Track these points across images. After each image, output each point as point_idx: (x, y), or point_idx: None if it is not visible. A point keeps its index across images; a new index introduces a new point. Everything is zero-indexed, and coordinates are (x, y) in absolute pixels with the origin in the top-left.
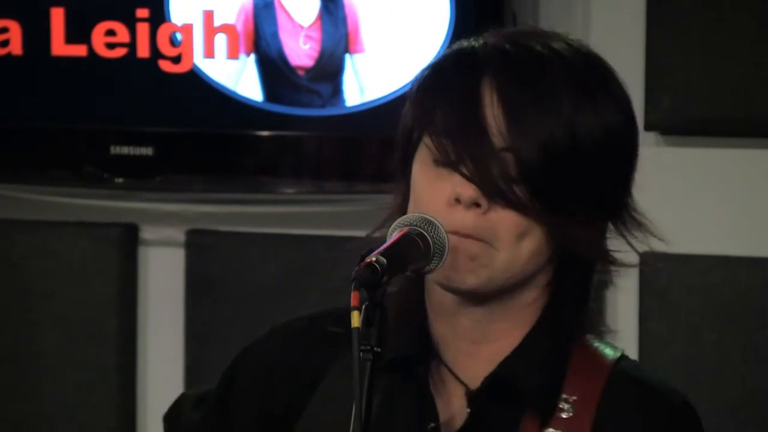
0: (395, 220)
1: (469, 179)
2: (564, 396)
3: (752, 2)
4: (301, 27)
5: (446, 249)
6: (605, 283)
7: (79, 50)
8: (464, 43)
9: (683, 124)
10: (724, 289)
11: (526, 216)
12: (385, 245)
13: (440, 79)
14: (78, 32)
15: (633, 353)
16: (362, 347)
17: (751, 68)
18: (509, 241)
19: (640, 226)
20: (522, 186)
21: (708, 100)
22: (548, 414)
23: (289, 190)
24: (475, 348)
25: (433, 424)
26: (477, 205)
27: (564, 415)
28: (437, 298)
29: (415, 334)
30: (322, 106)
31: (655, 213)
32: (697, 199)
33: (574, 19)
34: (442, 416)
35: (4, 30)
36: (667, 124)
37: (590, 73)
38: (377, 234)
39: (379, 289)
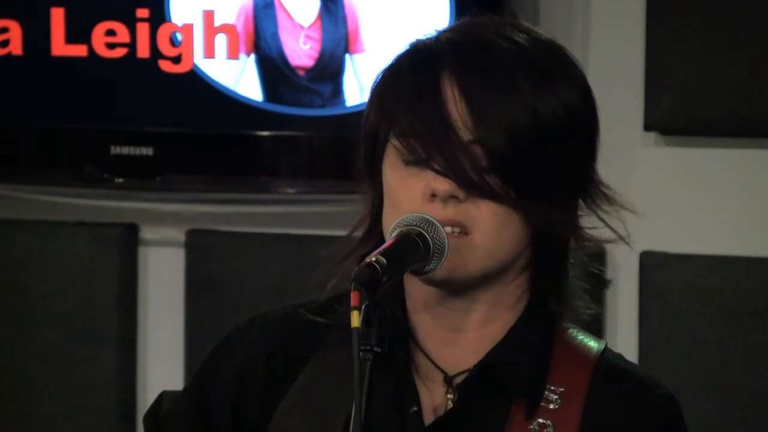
0: (368, 224)
1: (443, 174)
2: (551, 387)
3: (752, 2)
4: (301, 27)
5: (446, 249)
6: (605, 283)
7: (79, 50)
8: (418, 41)
9: (683, 124)
10: (724, 289)
11: (502, 204)
12: (384, 245)
13: (399, 80)
14: (78, 32)
15: (633, 353)
16: (362, 347)
17: (751, 68)
18: (489, 229)
19: (608, 199)
20: (494, 175)
21: (708, 100)
22: (535, 403)
23: (289, 190)
24: (457, 336)
25: (415, 408)
26: (454, 197)
27: (552, 406)
28: (416, 291)
29: (393, 322)
30: (322, 106)
31: (655, 213)
32: (697, 199)
33: (574, 19)
34: (424, 401)
35: (4, 30)
36: (667, 124)
37: (545, 55)
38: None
39: (379, 289)
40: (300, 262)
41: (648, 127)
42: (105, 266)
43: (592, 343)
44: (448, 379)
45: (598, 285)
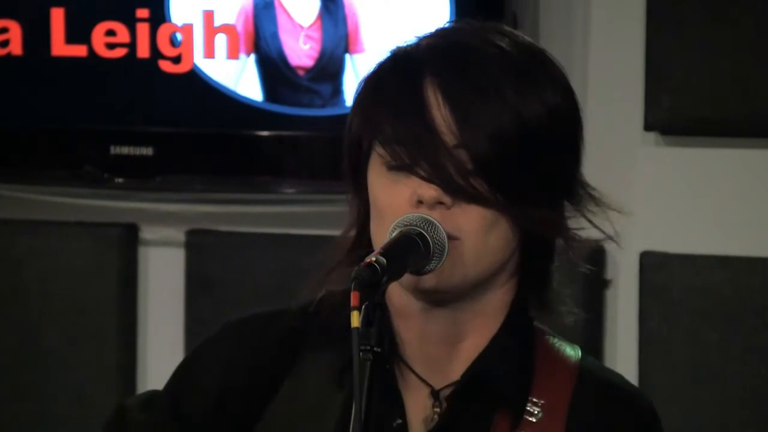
0: (355, 233)
1: (428, 180)
2: (533, 399)
3: (752, 2)
4: (301, 27)
5: (445, 249)
6: (605, 283)
7: (79, 50)
8: (398, 48)
9: (683, 124)
10: (724, 289)
11: (489, 208)
12: (384, 245)
13: (381, 88)
14: (78, 32)
15: (633, 353)
16: (362, 347)
17: (751, 68)
18: (475, 233)
19: (595, 200)
20: (480, 179)
21: (708, 100)
22: (519, 413)
23: (289, 190)
24: (443, 348)
25: (399, 421)
26: (440, 204)
27: (533, 419)
28: (401, 301)
29: (377, 334)
30: (322, 106)
31: (655, 213)
32: (697, 199)
33: (574, 19)
34: (410, 414)
35: (4, 30)
36: (667, 124)
37: (526, 58)
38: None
39: (379, 289)
40: (300, 262)
41: (648, 127)
42: (105, 266)
43: (569, 351)
44: (435, 393)
45: (599, 285)
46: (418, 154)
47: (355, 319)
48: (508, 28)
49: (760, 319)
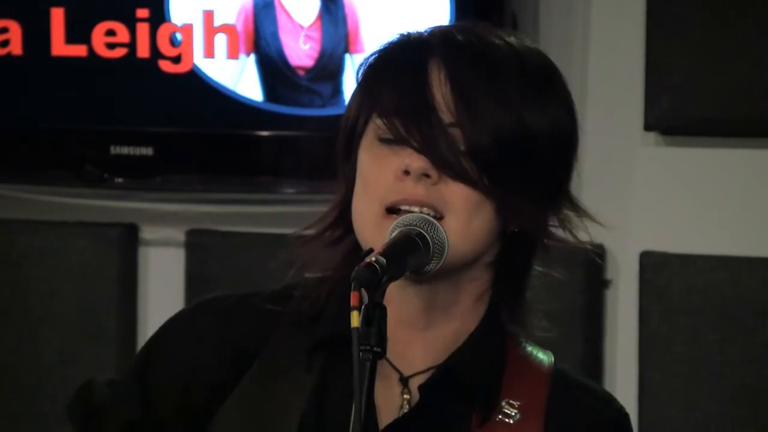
0: (336, 213)
1: (419, 152)
2: (510, 401)
3: (752, 3)
4: (301, 27)
5: (446, 248)
6: (605, 283)
7: (79, 50)
8: (410, 32)
9: (683, 124)
10: (724, 289)
11: (475, 189)
12: (384, 245)
13: (387, 63)
14: (78, 32)
15: (633, 353)
16: (362, 347)
17: (751, 68)
18: (460, 213)
19: (578, 212)
20: (470, 160)
21: (708, 100)
22: (490, 412)
23: (289, 190)
24: (415, 334)
25: None
26: (426, 176)
27: (511, 421)
28: None
29: (346, 314)
30: (322, 106)
31: (655, 213)
32: (697, 199)
33: (574, 19)
34: (378, 399)
35: (4, 30)
36: (667, 124)
37: (540, 70)
38: (313, 230)
39: (379, 289)
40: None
41: (648, 127)
42: (105, 266)
43: (542, 356)
44: (403, 379)
45: (599, 285)
46: (412, 127)
47: (355, 319)
48: (525, 35)
49: (760, 319)
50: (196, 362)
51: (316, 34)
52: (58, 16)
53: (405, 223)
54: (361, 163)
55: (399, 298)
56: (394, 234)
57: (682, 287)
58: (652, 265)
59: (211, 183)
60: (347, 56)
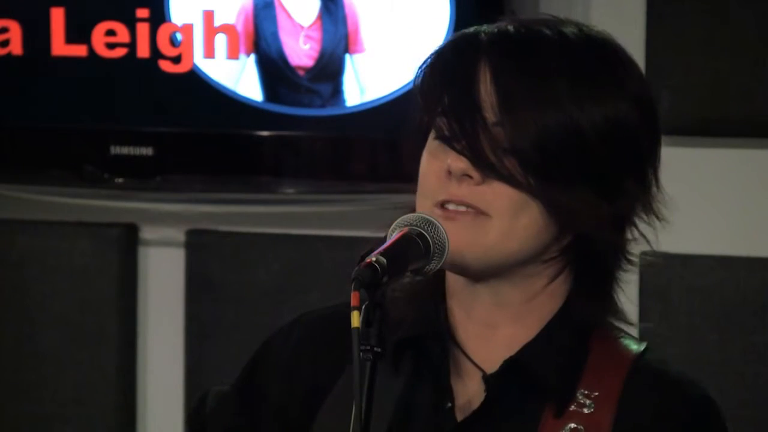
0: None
1: (460, 152)
2: (585, 392)
3: (752, 2)
4: (301, 27)
5: (446, 249)
6: None
7: (79, 50)
8: (467, 30)
9: (683, 124)
10: (724, 289)
11: (519, 189)
12: (384, 245)
13: (440, 62)
14: (78, 32)
15: None
16: (362, 347)
17: (751, 68)
18: (504, 213)
19: (645, 209)
20: (514, 160)
21: (708, 100)
22: (564, 406)
23: (289, 190)
24: (490, 332)
25: (449, 404)
26: (468, 177)
27: (585, 411)
28: (451, 280)
29: (429, 315)
30: (322, 106)
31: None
32: (697, 199)
33: (574, 19)
34: (459, 397)
35: (4, 30)
36: (667, 124)
37: (595, 58)
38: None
39: (379, 289)
40: (300, 262)
41: None
42: (105, 266)
43: (633, 346)
44: (485, 376)
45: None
46: (456, 127)
47: (355, 319)
48: (593, 27)
49: (760, 319)
50: (293, 376)
51: (316, 34)
52: (58, 16)
53: (405, 223)
54: (421, 162)
55: (468, 295)
56: (394, 234)
57: (682, 287)
58: (652, 265)
59: (211, 183)
60: (347, 56)
